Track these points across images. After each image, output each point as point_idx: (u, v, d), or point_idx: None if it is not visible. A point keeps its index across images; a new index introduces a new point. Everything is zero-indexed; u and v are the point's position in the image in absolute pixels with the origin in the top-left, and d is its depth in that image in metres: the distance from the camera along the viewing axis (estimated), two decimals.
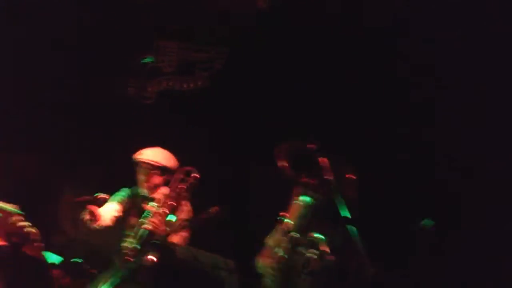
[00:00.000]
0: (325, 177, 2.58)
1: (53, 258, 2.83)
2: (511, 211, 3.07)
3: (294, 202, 2.70)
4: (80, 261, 2.78)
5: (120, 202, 3.22)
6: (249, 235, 3.59)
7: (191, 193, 3.14)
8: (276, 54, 4.03)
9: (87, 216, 2.85)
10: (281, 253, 2.68)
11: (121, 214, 3.16)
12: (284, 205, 2.76)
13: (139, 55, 4.42)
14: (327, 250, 2.46)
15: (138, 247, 2.85)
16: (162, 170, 3.23)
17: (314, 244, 2.54)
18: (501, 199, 3.11)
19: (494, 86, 3.26)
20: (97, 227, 3.01)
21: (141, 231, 2.89)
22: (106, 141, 3.79)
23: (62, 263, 2.82)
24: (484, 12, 3.19)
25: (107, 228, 2.96)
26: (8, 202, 2.83)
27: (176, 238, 3.11)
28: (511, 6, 3.11)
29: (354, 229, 2.36)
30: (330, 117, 3.40)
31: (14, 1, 4.04)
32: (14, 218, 2.80)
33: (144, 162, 3.24)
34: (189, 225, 2.94)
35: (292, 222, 2.68)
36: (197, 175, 3.11)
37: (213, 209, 2.91)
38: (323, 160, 2.60)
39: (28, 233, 2.78)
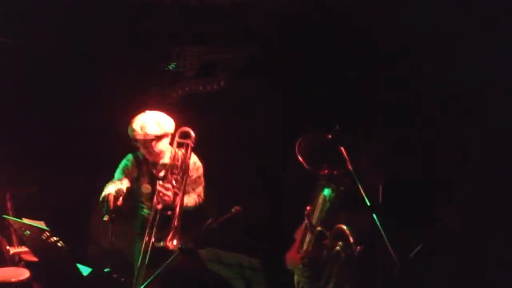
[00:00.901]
0: (347, 167, 2.48)
1: (84, 269, 2.88)
2: None
3: (317, 195, 2.63)
4: (109, 271, 2.80)
5: (126, 174, 3.22)
6: (278, 232, 3.55)
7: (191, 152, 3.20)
8: (295, 51, 3.96)
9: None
10: (308, 247, 2.63)
11: (128, 185, 3.17)
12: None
13: (160, 62, 4.46)
14: (353, 241, 2.37)
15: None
16: (160, 137, 3.17)
17: (340, 235, 2.46)
18: None
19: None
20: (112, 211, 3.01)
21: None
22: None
23: (92, 273, 2.86)
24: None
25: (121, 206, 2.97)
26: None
27: (191, 202, 3.20)
28: None
29: (379, 218, 2.25)
30: (353, 106, 3.28)
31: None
32: (44, 235, 2.88)
33: (140, 139, 3.16)
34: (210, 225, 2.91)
35: (317, 216, 2.62)
36: (193, 135, 3.18)
37: (235, 209, 2.86)
38: (342, 150, 2.50)
39: (60, 248, 2.86)
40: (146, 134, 3.13)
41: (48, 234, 2.85)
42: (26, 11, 4.11)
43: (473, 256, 2.99)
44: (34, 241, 3.06)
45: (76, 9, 4.11)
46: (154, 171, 3.26)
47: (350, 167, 2.47)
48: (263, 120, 4.03)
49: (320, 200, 2.60)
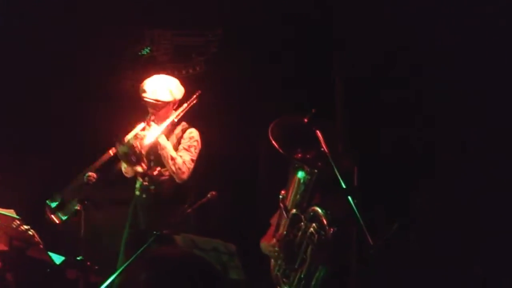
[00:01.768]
0: (321, 149, 2.47)
1: (56, 258, 2.83)
2: None
3: (291, 178, 2.62)
4: (82, 259, 2.76)
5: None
6: (254, 217, 3.55)
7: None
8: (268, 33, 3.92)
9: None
10: (283, 230, 2.63)
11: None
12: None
13: (134, 47, 4.36)
14: (327, 223, 2.37)
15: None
16: (169, 103, 3.26)
17: (315, 218, 2.46)
18: None
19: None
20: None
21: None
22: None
23: (65, 262, 2.82)
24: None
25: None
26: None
27: (172, 151, 3.21)
28: None
29: (354, 200, 2.26)
30: (325, 89, 3.27)
31: None
32: (15, 223, 2.82)
33: (151, 102, 3.23)
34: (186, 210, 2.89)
35: (291, 199, 2.62)
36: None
37: (211, 194, 2.84)
38: (318, 133, 2.49)
39: (31, 236, 2.80)
40: (156, 100, 3.22)
41: (18, 222, 2.79)
42: None
43: (447, 236, 3.05)
44: (4, 229, 2.99)
45: None
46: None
47: (325, 149, 2.46)
48: (238, 104, 4.00)
49: (294, 183, 2.59)
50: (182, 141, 3.28)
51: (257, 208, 3.70)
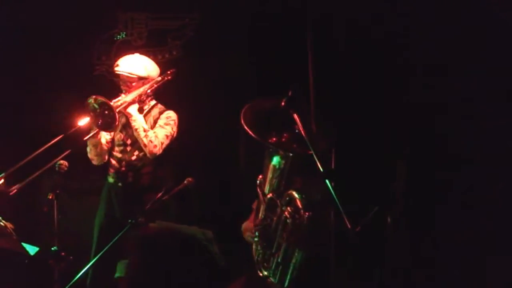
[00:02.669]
0: (296, 132, 2.43)
1: (30, 248, 2.77)
2: None
3: (267, 164, 2.59)
4: (56, 249, 2.71)
5: None
6: (233, 203, 3.52)
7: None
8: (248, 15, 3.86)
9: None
10: (260, 216, 2.60)
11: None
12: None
13: (107, 31, 4.25)
14: (302, 206, 2.35)
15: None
16: (142, 79, 3.18)
17: (291, 202, 2.44)
18: None
19: None
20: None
21: None
22: None
23: (39, 252, 2.76)
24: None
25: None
26: None
27: (144, 125, 3.13)
28: None
29: (331, 183, 2.23)
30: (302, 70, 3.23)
31: None
32: None
33: (123, 74, 3.16)
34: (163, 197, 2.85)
35: (268, 184, 2.59)
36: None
37: (188, 180, 2.79)
38: (295, 116, 2.44)
39: (3, 227, 2.72)
40: (129, 73, 3.14)
41: None
42: None
43: (425, 221, 3.06)
44: None
45: None
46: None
47: (302, 132, 2.42)
48: (215, 89, 3.94)
49: (270, 167, 2.56)
50: (159, 121, 3.23)
51: (238, 193, 3.67)
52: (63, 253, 2.72)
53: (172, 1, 4.18)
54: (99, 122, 2.96)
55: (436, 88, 3.16)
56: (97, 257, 2.71)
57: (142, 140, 3.10)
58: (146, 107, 3.25)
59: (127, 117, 3.13)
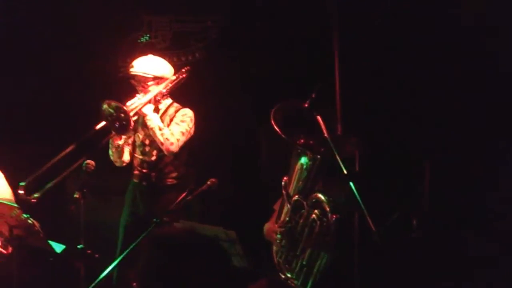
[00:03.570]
0: (322, 135, 2.44)
1: (56, 246, 2.82)
2: None
3: (293, 164, 2.59)
4: (83, 247, 2.74)
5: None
6: (259, 203, 3.52)
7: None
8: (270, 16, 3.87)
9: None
10: (285, 217, 2.61)
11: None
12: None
13: (132, 33, 4.32)
14: (329, 209, 2.35)
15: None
16: (157, 79, 3.19)
17: (317, 204, 2.44)
18: None
19: None
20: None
21: None
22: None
23: (66, 250, 2.80)
24: None
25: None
26: None
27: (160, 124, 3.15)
28: None
29: (356, 186, 2.23)
30: (326, 74, 3.23)
31: None
32: (14, 211, 2.79)
33: (137, 75, 3.18)
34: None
35: (294, 185, 2.59)
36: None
37: (211, 181, 2.81)
38: (319, 118, 2.45)
39: (31, 225, 2.77)
40: (144, 72, 3.17)
41: (18, 211, 2.77)
42: None
43: (451, 223, 3.02)
44: (4, 218, 2.97)
45: None
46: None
47: (326, 135, 2.43)
48: (238, 91, 3.96)
49: (297, 169, 2.56)
50: (174, 119, 3.24)
51: (259, 195, 3.68)
52: (89, 251, 2.76)
53: (196, 4, 4.22)
54: (116, 125, 3.01)
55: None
56: (122, 256, 2.73)
57: (158, 139, 3.13)
58: (162, 106, 3.28)
59: (143, 117, 3.17)
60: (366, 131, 2.76)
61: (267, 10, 3.89)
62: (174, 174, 3.26)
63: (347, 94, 2.93)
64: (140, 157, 3.26)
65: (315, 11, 3.58)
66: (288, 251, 2.60)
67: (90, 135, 2.99)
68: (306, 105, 2.53)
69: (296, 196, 2.57)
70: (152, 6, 4.27)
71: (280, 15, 3.84)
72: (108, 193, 3.74)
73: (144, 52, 4.01)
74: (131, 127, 3.00)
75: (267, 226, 2.87)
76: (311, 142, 2.52)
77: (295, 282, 2.58)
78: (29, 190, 2.82)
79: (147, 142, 3.25)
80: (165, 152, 3.16)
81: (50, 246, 2.82)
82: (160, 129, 3.14)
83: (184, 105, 3.33)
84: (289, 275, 2.61)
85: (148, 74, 3.18)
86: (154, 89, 3.18)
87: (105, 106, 2.96)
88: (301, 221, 2.52)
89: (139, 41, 4.34)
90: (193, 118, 3.26)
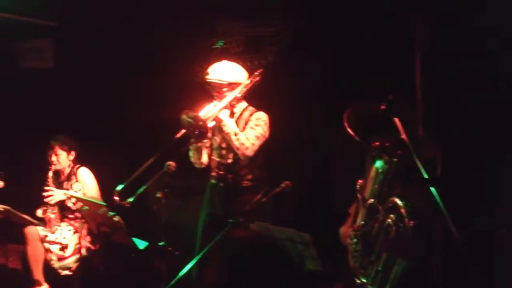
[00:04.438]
0: (400, 138, 2.36)
1: (139, 243, 2.97)
2: None
3: (369, 168, 2.54)
4: (164, 244, 2.87)
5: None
6: (332, 206, 3.49)
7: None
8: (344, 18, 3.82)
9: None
10: (360, 221, 2.56)
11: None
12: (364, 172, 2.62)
13: (207, 40, 4.45)
14: (406, 214, 2.27)
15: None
16: (232, 85, 3.27)
17: (394, 209, 2.37)
18: None
19: None
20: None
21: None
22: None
23: (148, 247, 2.95)
24: None
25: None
26: None
27: (236, 129, 3.22)
28: None
29: (436, 191, 2.14)
30: (405, 76, 3.12)
31: None
32: (102, 209, 2.99)
33: (212, 82, 3.27)
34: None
35: (369, 189, 2.54)
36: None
37: (285, 184, 2.83)
38: (396, 120, 2.38)
39: (116, 222, 2.96)
40: (219, 79, 3.25)
41: (105, 209, 2.97)
42: None
43: None
44: (92, 216, 3.19)
45: None
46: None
47: (405, 138, 2.35)
48: (311, 92, 3.95)
49: (372, 172, 2.51)
50: (249, 123, 3.30)
51: (332, 198, 3.64)
52: (169, 248, 2.89)
53: (269, 9, 4.26)
54: (196, 133, 3.13)
55: None
56: (200, 254, 2.83)
57: (234, 144, 3.20)
58: (237, 110, 3.34)
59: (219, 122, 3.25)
60: (449, 133, 2.63)
61: (342, 11, 3.84)
62: (249, 177, 3.32)
63: (429, 95, 2.81)
64: (217, 159, 3.36)
65: (394, 8, 3.47)
66: (363, 256, 2.56)
67: (172, 143, 3.14)
68: (383, 107, 2.47)
69: (372, 200, 2.52)
70: (226, 12, 4.38)
71: (355, 15, 3.78)
72: (187, 194, 3.88)
73: (219, 58, 4.15)
74: (209, 134, 3.11)
75: (342, 230, 2.83)
76: (386, 144, 2.46)
77: (370, 287, 2.52)
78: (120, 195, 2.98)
79: (223, 145, 3.34)
80: (241, 157, 3.23)
81: (134, 242, 2.99)
82: (235, 134, 3.22)
83: (258, 108, 3.38)
84: (364, 280, 2.56)
85: (222, 80, 3.27)
86: (229, 95, 3.26)
87: (183, 116, 3.10)
88: (376, 225, 2.47)
89: (213, 47, 4.48)
90: (267, 121, 3.31)
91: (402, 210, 2.32)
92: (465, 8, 3.08)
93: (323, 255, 2.60)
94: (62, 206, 3.78)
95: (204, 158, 3.38)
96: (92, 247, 3.63)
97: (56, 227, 3.73)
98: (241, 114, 3.34)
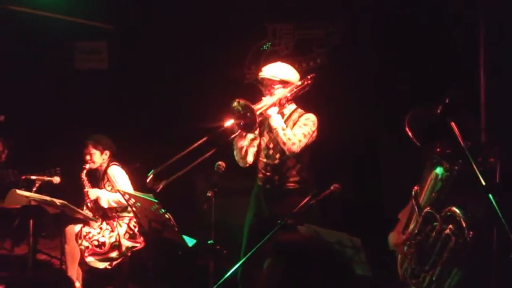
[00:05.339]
0: (461, 144, 2.29)
1: (189, 240, 3.01)
2: None
3: (427, 174, 2.48)
4: (212, 242, 2.90)
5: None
6: (381, 211, 3.43)
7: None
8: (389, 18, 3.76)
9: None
10: (413, 229, 2.50)
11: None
12: (418, 178, 2.56)
13: (256, 42, 4.48)
14: (466, 225, 2.20)
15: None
16: (283, 83, 3.28)
17: (452, 219, 2.30)
18: None
19: None
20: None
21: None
22: None
23: (197, 244, 2.98)
24: None
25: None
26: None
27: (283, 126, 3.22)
28: None
29: (497, 200, 2.06)
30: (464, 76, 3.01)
31: None
32: (153, 206, 3.04)
33: (265, 78, 3.30)
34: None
35: (426, 196, 2.47)
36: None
37: (334, 186, 2.79)
38: (453, 125, 2.31)
39: (167, 219, 3.00)
40: (272, 75, 3.29)
41: (156, 206, 3.01)
42: None
43: None
44: (144, 212, 3.25)
45: None
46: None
47: (462, 143, 2.28)
48: (362, 95, 3.90)
49: (431, 179, 2.44)
50: (298, 122, 3.29)
51: (382, 203, 3.58)
52: (218, 247, 2.91)
53: (318, 11, 4.25)
54: (242, 123, 3.13)
55: None
56: (247, 255, 2.83)
57: (281, 138, 3.20)
58: (287, 111, 3.34)
59: (267, 118, 3.26)
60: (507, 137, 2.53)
61: (394, 12, 3.77)
62: (296, 178, 3.31)
63: (492, 99, 2.70)
64: (264, 160, 3.37)
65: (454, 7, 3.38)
66: (416, 265, 2.49)
67: (218, 133, 3.15)
68: (439, 111, 2.40)
69: (428, 208, 2.45)
70: (276, 14, 4.39)
71: (407, 15, 3.71)
72: (234, 194, 3.90)
73: (268, 60, 4.16)
74: (256, 126, 3.11)
75: (392, 236, 2.77)
76: (447, 151, 2.38)
77: None
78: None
79: (271, 145, 3.35)
80: (287, 152, 3.22)
81: (183, 239, 3.02)
82: (283, 129, 3.22)
83: (308, 110, 3.38)
84: None
85: (275, 77, 3.29)
86: (280, 92, 3.27)
87: (235, 103, 3.11)
88: (433, 234, 2.40)
89: (261, 49, 4.50)
90: (316, 122, 3.30)
91: (462, 220, 2.24)
92: None
93: (370, 261, 2.56)
94: (96, 206, 3.86)
95: (250, 157, 3.38)
96: (136, 246, 3.73)
97: (95, 224, 3.83)
98: (290, 115, 3.34)
